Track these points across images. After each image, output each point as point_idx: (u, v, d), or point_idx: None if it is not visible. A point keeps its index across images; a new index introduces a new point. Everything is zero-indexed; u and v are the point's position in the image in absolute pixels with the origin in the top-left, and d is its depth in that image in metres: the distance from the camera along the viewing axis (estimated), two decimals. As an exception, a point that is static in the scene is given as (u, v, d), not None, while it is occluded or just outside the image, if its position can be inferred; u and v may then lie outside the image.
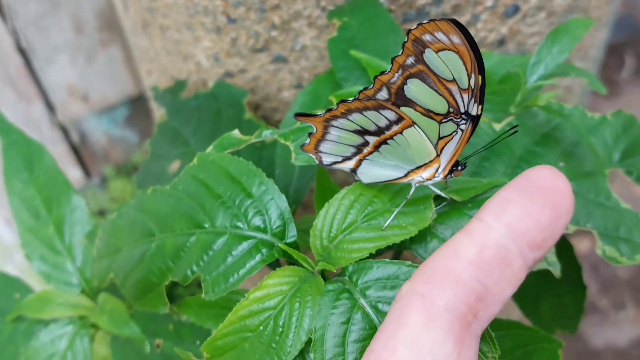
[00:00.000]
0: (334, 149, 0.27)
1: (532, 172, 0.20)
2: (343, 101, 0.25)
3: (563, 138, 0.30)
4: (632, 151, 0.31)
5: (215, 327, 0.26)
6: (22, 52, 0.71)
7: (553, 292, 0.35)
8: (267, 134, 0.29)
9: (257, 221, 0.28)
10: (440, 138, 0.25)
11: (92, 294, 0.35)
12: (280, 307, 0.26)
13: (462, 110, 0.24)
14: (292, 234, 0.28)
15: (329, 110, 0.25)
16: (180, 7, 0.41)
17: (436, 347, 0.18)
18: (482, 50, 0.39)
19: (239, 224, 0.28)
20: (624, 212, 0.29)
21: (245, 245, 0.27)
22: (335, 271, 0.26)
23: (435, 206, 0.27)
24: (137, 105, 0.83)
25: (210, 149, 0.29)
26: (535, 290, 0.35)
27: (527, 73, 0.31)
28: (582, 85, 0.49)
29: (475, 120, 0.24)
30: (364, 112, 0.25)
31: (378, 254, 0.27)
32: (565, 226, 0.20)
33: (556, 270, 0.27)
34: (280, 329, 0.25)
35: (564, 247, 0.32)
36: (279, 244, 0.27)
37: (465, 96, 0.23)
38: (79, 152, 0.83)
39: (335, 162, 0.27)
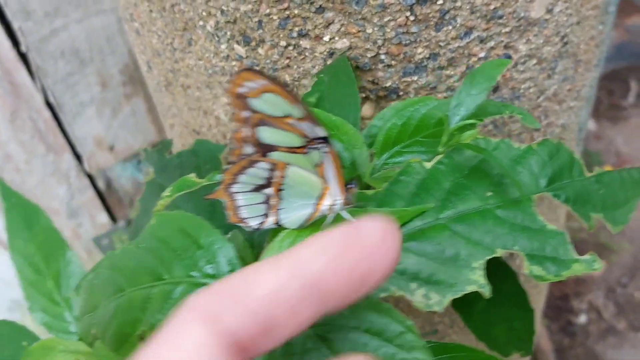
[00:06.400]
0: (250, 211, 0.30)
1: (364, 223, 0.19)
2: (225, 170, 0.28)
3: (491, 169, 0.32)
4: (560, 176, 0.33)
5: None
6: (51, 107, 0.76)
7: (502, 316, 0.36)
8: (219, 177, 0.32)
9: (209, 269, 0.31)
10: (316, 167, 0.28)
11: (88, 341, 0.39)
12: None
13: (314, 137, 0.26)
14: None
15: (221, 182, 0.29)
16: (200, 68, 0.45)
17: None
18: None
19: (193, 273, 0.31)
20: (549, 232, 0.31)
21: None
22: None
23: None
24: (158, 151, 0.87)
25: (167, 190, 0.32)
26: (485, 315, 0.37)
27: (450, 115, 0.33)
28: (578, 122, 0.52)
29: (328, 140, 0.26)
30: (246, 172, 0.28)
31: None
32: (380, 279, 0.19)
33: (486, 292, 0.29)
34: None
35: (507, 273, 0.34)
36: None
37: (306, 124, 0.26)
38: (106, 198, 0.87)
39: (260, 224, 0.30)
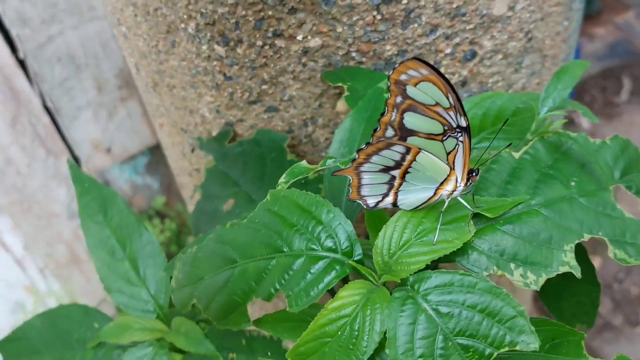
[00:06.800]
0: (372, 190, 0.32)
1: None
2: (360, 150, 0.30)
3: (571, 161, 0.35)
4: (630, 169, 0.36)
5: (292, 338, 0.31)
6: (49, 111, 0.78)
7: (571, 291, 0.40)
8: (330, 162, 0.34)
9: (329, 243, 0.33)
10: (447, 154, 0.30)
11: (165, 319, 0.40)
12: (354, 314, 0.31)
13: (454, 125, 0.29)
14: (358, 253, 0.33)
15: (354, 160, 0.31)
16: (184, 69, 0.47)
17: None
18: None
19: (314, 246, 0.33)
20: (628, 220, 0.34)
21: (321, 264, 0.33)
22: (398, 281, 0.31)
23: (474, 224, 0.33)
24: (155, 153, 0.90)
25: (284, 177, 0.35)
26: (556, 290, 0.41)
27: (538, 106, 0.36)
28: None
29: (467, 130, 0.29)
30: (380, 153, 0.31)
31: (426, 267, 0.32)
32: None
33: (577, 273, 0.32)
34: (356, 333, 0.30)
35: (578, 252, 0.37)
36: (349, 261, 0.33)
37: (451, 113, 0.28)
38: (104, 200, 0.89)
39: (377, 202, 0.33)
